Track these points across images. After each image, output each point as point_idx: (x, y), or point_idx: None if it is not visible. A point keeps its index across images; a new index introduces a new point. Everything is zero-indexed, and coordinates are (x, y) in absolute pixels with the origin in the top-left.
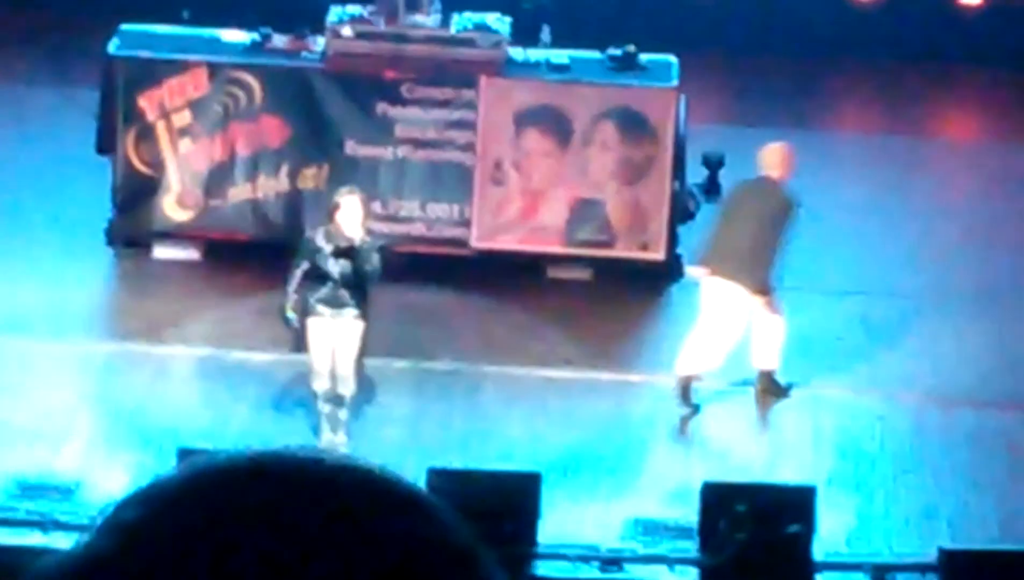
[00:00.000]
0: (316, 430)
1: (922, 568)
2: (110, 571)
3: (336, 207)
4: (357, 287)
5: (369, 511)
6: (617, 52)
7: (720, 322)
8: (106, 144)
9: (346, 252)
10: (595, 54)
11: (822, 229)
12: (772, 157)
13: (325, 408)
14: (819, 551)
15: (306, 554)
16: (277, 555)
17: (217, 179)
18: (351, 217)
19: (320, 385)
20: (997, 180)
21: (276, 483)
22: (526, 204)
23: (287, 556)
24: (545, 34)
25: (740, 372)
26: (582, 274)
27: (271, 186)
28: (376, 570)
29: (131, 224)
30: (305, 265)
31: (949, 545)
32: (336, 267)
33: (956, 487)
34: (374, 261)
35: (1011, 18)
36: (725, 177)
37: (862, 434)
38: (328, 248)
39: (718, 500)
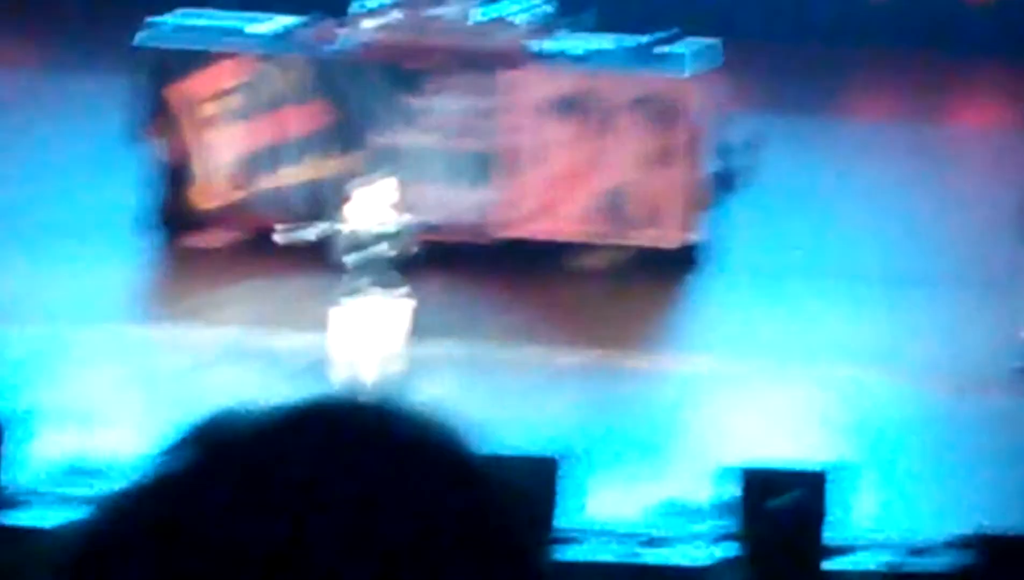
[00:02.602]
0: None
1: (952, 548)
2: (157, 513)
3: (364, 193)
4: (397, 269)
5: (415, 455)
6: (640, 41)
7: None
8: (138, 134)
9: (380, 236)
10: (618, 43)
11: (839, 216)
12: None
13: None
14: (845, 531)
15: (348, 502)
16: (323, 500)
17: (248, 167)
18: (382, 201)
19: (346, 369)
20: (1012, 167)
21: (326, 427)
22: (549, 193)
23: (328, 500)
24: (588, 18)
25: (766, 353)
26: (605, 262)
27: (301, 174)
28: (417, 512)
29: (164, 212)
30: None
31: (977, 528)
32: (373, 251)
33: (983, 470)
34: (407, 243)
35: (1022, 11)
36: (747, 165)
37: (889, 417)
38: (362, 233)
39: (741, 482)
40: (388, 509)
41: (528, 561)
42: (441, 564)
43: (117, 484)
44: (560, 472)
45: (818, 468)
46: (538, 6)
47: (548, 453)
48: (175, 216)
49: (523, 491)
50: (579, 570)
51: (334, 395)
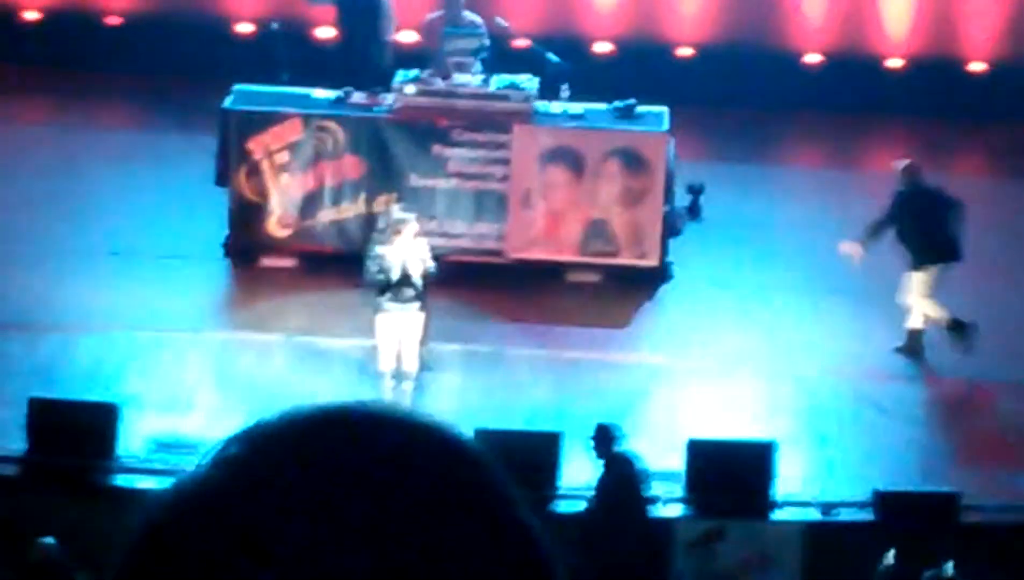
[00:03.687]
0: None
1: (859, 505)
2: (214, 496)
3: (396, 223)
4: (416, 286)
5: (429, 455)
6: (620, 105)
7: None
8: (223, 178)
9: (406, 259)
10: (603, 106)
11: (777, 242)
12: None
13: (389, 383)
14: (778, 492)
15: (369, 491)
16: (349, 489)
17: (309, 205)
18: (408, 231)
19: (385, 366)
20: None
21: (354, 428)
22: (549, 223)
23: (354, 489)
24: (564, 91)
25: (721, 351)
26: (593, 278)
27: (351, 210)
28: (432, 501)
29: (242, 240)
30: (375, 268)
31: (881, 487)
32: (399, 272)
33: (887, 443)
34: (430, 266)
35: (925, 76)
36: (704, 202)
37: (814, 402)
38: (392, 257)
39: (699, 453)
40: (398, 491)
41: (524, 530)
42: (445, 534)
43: (198, 460)
44: (563, 444)
45: (755, 442)
46: (528, 81)
47: (554, 429)
48: (253, 243)
49: (524, 463)
50: (559, 521)
51: (359, 402)
